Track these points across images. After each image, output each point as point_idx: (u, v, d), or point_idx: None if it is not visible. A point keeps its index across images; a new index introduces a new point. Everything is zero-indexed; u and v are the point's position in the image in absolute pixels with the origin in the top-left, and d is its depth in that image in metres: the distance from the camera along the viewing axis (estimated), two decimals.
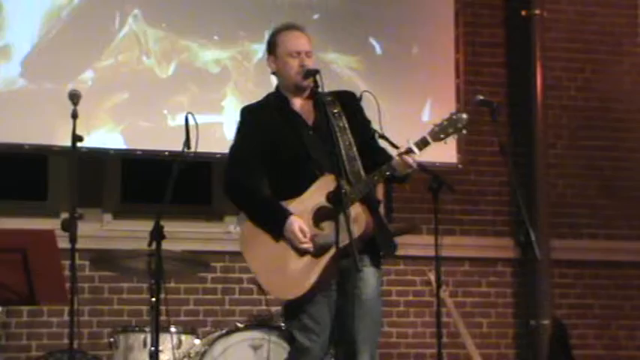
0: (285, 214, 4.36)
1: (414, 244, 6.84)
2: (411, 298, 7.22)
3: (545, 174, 7.43)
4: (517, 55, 7.57)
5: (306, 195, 4.40)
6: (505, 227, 7.41)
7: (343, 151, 4.42)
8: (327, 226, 4.34)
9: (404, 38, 7.16)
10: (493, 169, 7.38)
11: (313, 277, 4.35)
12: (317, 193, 4.37)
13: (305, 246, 4.34)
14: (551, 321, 7.16)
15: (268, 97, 4.65)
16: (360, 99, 4.81)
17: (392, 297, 7.16)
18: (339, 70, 6.91)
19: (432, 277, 6.30)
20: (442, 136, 4.41)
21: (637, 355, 7.55)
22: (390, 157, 4.42)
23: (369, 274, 4.44)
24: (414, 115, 7.04)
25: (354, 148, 4.46)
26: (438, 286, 5.33)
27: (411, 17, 7.20)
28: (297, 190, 4.41)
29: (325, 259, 4.35)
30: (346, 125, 4.49)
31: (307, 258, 4.37)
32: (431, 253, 5.23)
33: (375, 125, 4.74)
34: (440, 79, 7.17)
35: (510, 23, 7.63)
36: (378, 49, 7.08)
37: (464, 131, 4.44)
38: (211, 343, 5.35)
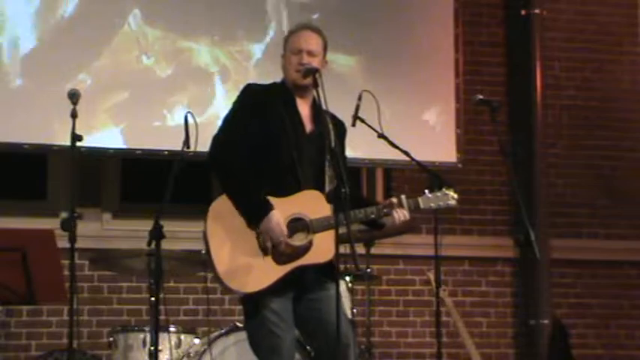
0: (269, 208, 4.27)
1: (413, 244, 6.86)
2: (410, 297, 7.22)
3: (545, 174, 7.43)
4: (517, 54, 7.57)
5: (287, 201, 4.33)
6: (505, 227, 7.41)
7: (328, 172, 4.40)
8: (298, 239, 4.31)
9: (403, 38, 7.15)
10: (493, 169, 7.38)
11: (272, 279, 4.28)
12: (299, 203, 4.32)
13: (283, 239, 4.25)
14: (551, 321, 7.16)
15: (275, 85, 4.57)
16: (359, 99, 4.81)
17: (391, 296, 7.16)
18: (339, 70, 6.90)
19: (432, 276, 6.28)
20: (432, 205, 4.52)
21: (637, 354, 7.55)
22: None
23: (332, 292, 4.25)
24: (414, 115, 7.04)
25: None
26: (438, 286, 5.33)
27: (411, 17, 7.20)
28: (275, 191, 4.33)
29: (288, 267, 4.29)
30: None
31: (269, 260, 4.29)
32: (430, 252, 5.23)
33: (374, 125, 4.74)
34: (440, 78, 7.17)
35: (510, 23, 7.63)
36: (377, 49, 7.07)
37: (449, 203, 4.54)
38: (211, 343, 5.34)
